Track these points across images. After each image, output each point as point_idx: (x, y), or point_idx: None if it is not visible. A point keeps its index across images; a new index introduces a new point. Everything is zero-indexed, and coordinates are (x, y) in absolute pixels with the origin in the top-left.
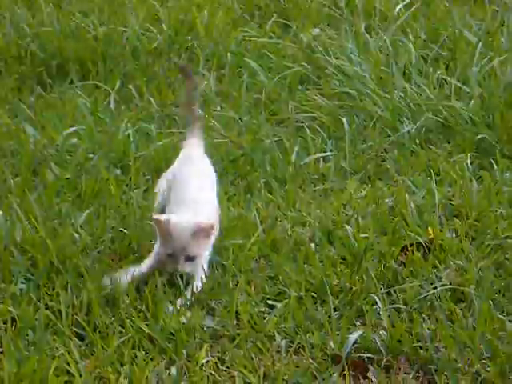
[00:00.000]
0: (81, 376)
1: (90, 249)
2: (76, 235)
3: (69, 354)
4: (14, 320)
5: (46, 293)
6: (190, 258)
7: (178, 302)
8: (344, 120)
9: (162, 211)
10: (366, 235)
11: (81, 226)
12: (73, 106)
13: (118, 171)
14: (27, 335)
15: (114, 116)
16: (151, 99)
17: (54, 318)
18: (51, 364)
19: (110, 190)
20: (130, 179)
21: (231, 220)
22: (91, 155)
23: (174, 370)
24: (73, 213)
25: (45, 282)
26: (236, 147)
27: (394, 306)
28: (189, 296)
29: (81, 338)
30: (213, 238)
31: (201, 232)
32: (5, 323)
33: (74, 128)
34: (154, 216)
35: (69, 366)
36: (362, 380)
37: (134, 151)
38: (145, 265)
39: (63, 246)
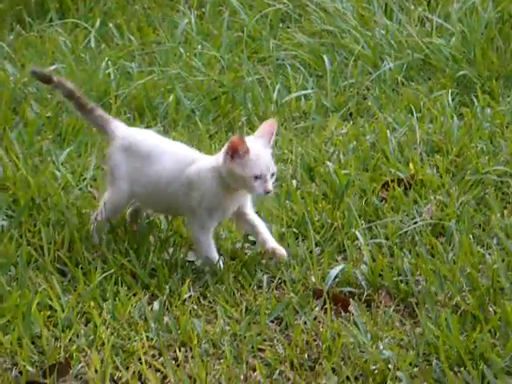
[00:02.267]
0: (63, 311)
1: (71, 186)
2: (57, 173)
3: (51, 289)
4: None
5: (28, 229)
6: (273, 175)
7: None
8: (325, 58)
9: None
10: (348, 172)
11: (62, 164)
12: (53, 45)
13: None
14: (9, 271)
15: (95, 55)
16: (132, 37)
17: (35, 255)
18: (34, 299)
19: (91, 128)
20: None
21: None
22: None
23: (156, 305)
24: (54, 151)
25: (26, 218)
26: (217, 85)
27: (375, 240)
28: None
29: (63, 273)
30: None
31: (267, 137)
32: None
33: (55, 66)
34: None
35: (51, 301)
36: (343, 313)
37: (115, 90)
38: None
39: (44, 183)
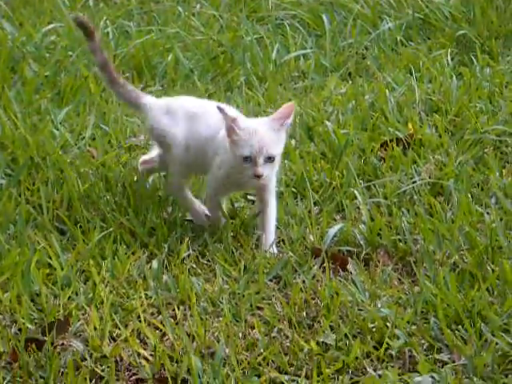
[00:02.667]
0: (62, 269)
1: (70, 145)
2: (56, 132)
3: (50, 247)
4: None
5: (27, 188)
6: (270, 159)
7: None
8: (324, 17)
9: None
10: (346, 131)
11: (60, 123)
12: (51, 4)
13: (98, 69)
14: (8, 229)
15: (93, 13)
16: None
17: (34, 213)
18: (33, 257)
19: (90, 88)
20: None
21: None
22: (70, 52)
23: (155, 264)
24: (52, 109)
25: (25, 177)
26: (216, 45)
27: (373, 200)
28: (272, 238)
29: (62, 232)
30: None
31: (280, 119)
32: None
33: (53, 25)
34: (220, 105)
35: (50, 259)
36: (341, 272)
37: (114, 49)
38: (208, 198)
39: (43, 142)
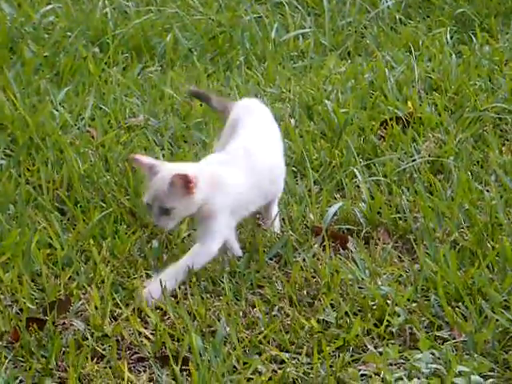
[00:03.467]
0: (63, 249)
1: (69, 126)
2: (55, 112)
3: (50, 227)
4: None
5: (27, 168)
6: (164, 211)
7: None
8: None
9: None
10: (346, 110)
11: (60, 103)
12: None
13: (96, 49)
14: (8, 210)
15: None
16: None
17: (34, 193)
18: (33, 237)
19: (89, 68)
20: (109, 57)
21: None
22: (69, 33)
23: (155, 243)
24: (51, 90)
25: (25, 157)
26: (215, 25)
27: (373, 178)
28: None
29: (62, 212)
30: (198, 196)
31: (177, 183)
32: None
33: (51, 5)
34: (135, 156)
35: (51, 239)
36: (341, 251)
37: (112, 29)
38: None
39: (43, 122)
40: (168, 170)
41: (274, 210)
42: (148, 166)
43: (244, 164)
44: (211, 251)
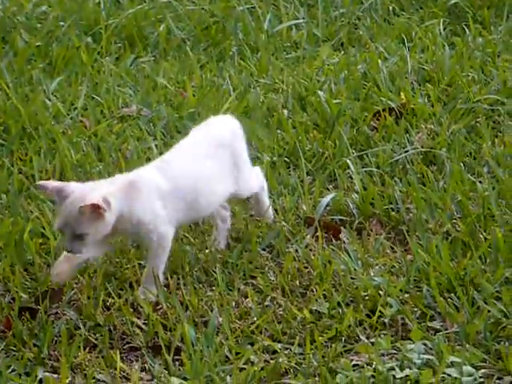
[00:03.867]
0: (55, 239)
1: (62, 115)
2: (48, 102)
3: (43, 217)
4: None
5: (19, 158)
6: (77, 236)
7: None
8: None
9: None
10: (339, 101)
11: (52, 93)
12: None
13: (89, 39)
14: (1, 199)
15: None
16: None
17: (27, 183)
18: (26, 227)
19: (82, 58)
20: (102, 47)
21: (204, 87)
22: (62, 23)
23: None
24: (44, 80)
25: (17, 147)
26: (208, 15)
27: (366, 169)
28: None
29: (55, 202)
30: (109, 217)
31: (86, 211)
32: None
33: None
34: (40, 182)
35: (43, 229)
36: (334, 241)
37: (105, 19)
38: None
39: (35, 112)
40: (77, 195)
41: (265, 201)
42: (56, 191)
43: (162, 173)
44: (164, 237)
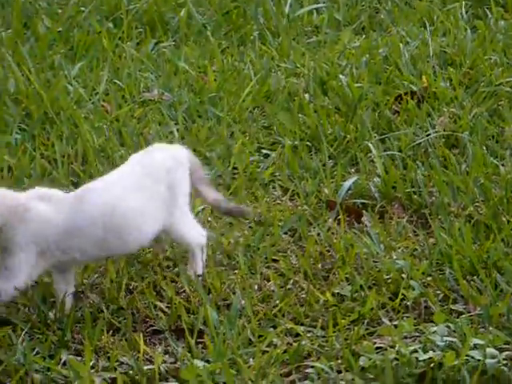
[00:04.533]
0: None
1: (84, 100)
2: (69, 87)
3: None
4: (10, 168)
5: (42, 143)
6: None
7: None
8: None
9: None
10: (360, 85)
11: (74, 78)
12: None
13: (110, 24)
14: (24, 184)
15: None
16: None
17: (49, 167)
18: None
19: (103, 43)
20: (123, 32)
21: (225, 72)
22: (83, 8)
23: None
24: (66, 65)
25: (40, 132)
26: (229, 0)
27: (388, 153)
28: None
29: (77, 186)
30: (33, 227)
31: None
32: (1, 171)
33: None
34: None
35: None
36: (356, 225)
37: (126, 4)
38: None
39: (57, 97)
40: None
41: (199, 264)
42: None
43: (68, 205)
44: (7, 291)
